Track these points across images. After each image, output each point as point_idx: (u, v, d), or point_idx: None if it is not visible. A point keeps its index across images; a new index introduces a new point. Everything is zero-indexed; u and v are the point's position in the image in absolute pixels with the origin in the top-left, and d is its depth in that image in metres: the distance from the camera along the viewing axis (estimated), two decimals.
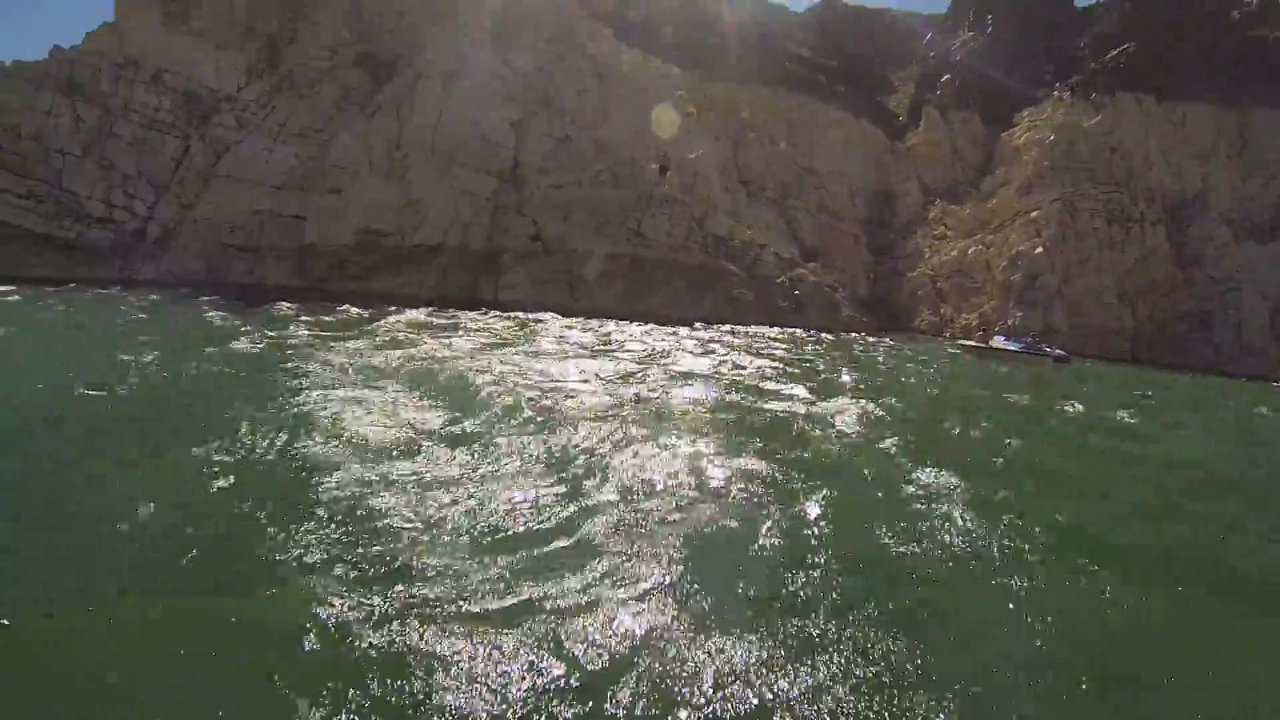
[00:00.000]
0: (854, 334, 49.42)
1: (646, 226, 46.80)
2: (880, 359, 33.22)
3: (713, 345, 28.51)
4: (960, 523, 8.98)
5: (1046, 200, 63.31)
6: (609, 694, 5.39)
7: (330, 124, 48.95)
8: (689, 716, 5.23)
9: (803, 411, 15.57)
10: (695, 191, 51.87)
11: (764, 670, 5.85)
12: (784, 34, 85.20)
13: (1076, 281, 60.14)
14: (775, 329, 43.39)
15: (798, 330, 44.70)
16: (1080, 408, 21.74)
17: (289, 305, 29.95)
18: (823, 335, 45.04)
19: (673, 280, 45.15)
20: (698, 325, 39.75)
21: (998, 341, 45.43)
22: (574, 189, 46.73)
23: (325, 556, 7.02)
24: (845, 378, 22.60)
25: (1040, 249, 60.36)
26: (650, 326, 35.10)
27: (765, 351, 27.72)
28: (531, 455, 10.42)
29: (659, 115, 57.50)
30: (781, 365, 24.97)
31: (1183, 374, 50.09)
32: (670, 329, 35.18)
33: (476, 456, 10.06)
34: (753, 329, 41.22)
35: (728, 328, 40.14)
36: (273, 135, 48.13)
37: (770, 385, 19.71)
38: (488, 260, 43.68)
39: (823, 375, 21.82)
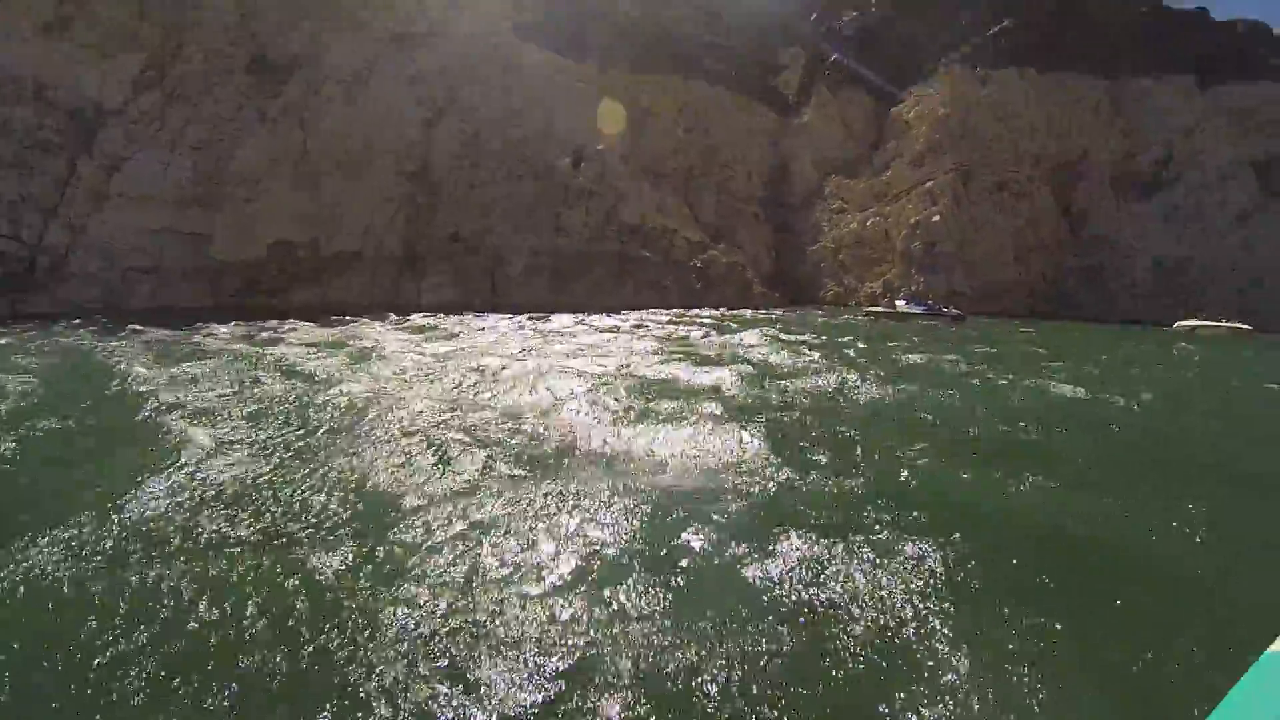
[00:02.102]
0: (766, 309, 49.83)
1: (565, 220, 46.00)
2: (805, 329, 34.73)
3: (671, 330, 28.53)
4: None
5: (940, 171, 66.36)
6: None
7: (228, 133, 47.25)
8: None
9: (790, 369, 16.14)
10: (606, 182, 51.16)
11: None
12: (674, 19, 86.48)
13: (973, 245, 63.41)
14: (694, 310, 44.60)
15: (717, 310, 45.75)
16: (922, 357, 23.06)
17: (182, 330, 26.42)
18: (742, 312, 46.46)
19: (593, 270, 44.37)
20: (624, 313, 40.42)
21: (901, 305, 49.24)
22: (490, 187, 45.58)
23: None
24: (787, 351, 23.52)
25: (937, 217, 63.33)
26: (580, 317, 35.31)
27: (716, 331, 28.00)
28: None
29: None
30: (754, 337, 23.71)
31: (1075, 323, 53.83)
32: (605, 318, 35.76)
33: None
34: (674, 312, 42.26)
35: (653, 312, 41.08)
36: (167, 148, 45.64)
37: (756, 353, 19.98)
38: (408, 264, 42.21)
39: (766, 344, 22.08)
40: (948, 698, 4.83)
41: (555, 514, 7.67)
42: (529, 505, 7.86)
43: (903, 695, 4.83)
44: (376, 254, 41.65)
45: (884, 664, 5.22)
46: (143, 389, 13.02)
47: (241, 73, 50.39)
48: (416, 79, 50.19)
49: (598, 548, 6.93)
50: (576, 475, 8.95)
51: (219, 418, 10.45)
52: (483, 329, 27.57)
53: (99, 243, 40.21)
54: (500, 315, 35.17)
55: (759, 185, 73.18)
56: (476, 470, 8.97)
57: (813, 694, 4.86)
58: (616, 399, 13.30)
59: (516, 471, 8.88)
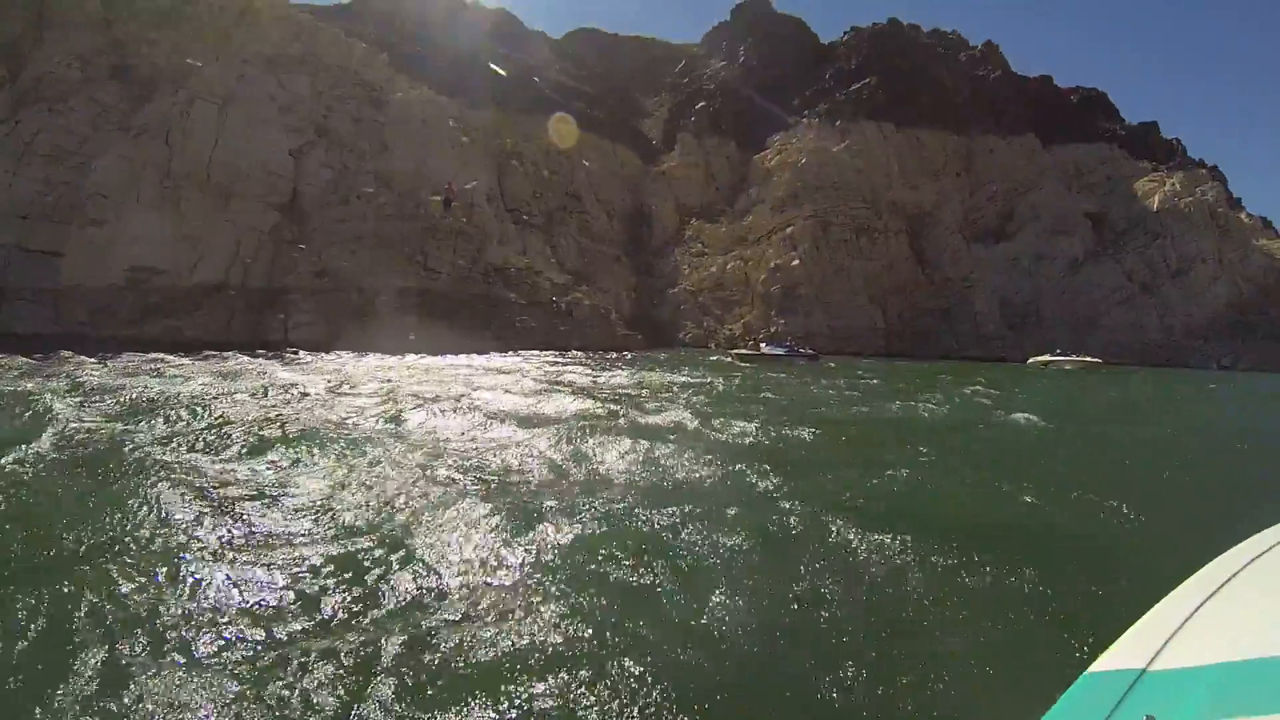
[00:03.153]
0: (629, 351, 51.80)
1: (433, 259, 46.21)
2: (686, 368, 37.20)
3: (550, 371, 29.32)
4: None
5: (800, 217, 70.84)
6: None
7: (85, 145, 45.13)
8: None
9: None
10: (473, 222, 51.62)
11: None
12: (541, 61, 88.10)
13: (832, 288, 68.15)
14: (559, 352, 45.76)
15: (581, 352, 47.25)
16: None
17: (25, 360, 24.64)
18: (607, 354, 48.31)
19: (460, 311, 44.82)
20: (491, 355, 41.55)
21: (765, 348, 52.74)
22: (358, 223, 45.30)
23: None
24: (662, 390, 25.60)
25: (796, 261, 67.69)
26: (448, 358, 36.17)
27: (569, 373, 29.27)
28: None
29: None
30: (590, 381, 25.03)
31: (927, 361, 58.19)
32: (469, 359, 36.87)
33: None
34: (541, 354, 43.77)
35: (522, 354, 42.37)
36: (16, 156, 43.64)
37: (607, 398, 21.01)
38: (272, 298, 41.25)
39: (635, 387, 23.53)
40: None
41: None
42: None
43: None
44: (241, 287, 41.18)
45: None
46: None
47: (104, 81, 48.43)
48: (286, 107, 49.46)
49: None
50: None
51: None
52: (388, 368, 28.09)
53: None
54: (380, 354, 35.68)
55: (620, 228, 75.64)
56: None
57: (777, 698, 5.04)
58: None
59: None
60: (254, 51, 51.53)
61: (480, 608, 6.39)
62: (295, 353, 35.13)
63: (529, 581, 6.89)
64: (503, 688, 5.01)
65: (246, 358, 31.46)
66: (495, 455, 12.63)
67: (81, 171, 42.91)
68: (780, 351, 50.44)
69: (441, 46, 73.29)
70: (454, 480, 10.81)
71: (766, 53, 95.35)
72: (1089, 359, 55.84)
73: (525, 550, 7.67)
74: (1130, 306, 71.58)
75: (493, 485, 10.65)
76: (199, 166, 44.06)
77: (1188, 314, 69.73)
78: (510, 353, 42.41)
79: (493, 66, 74.53)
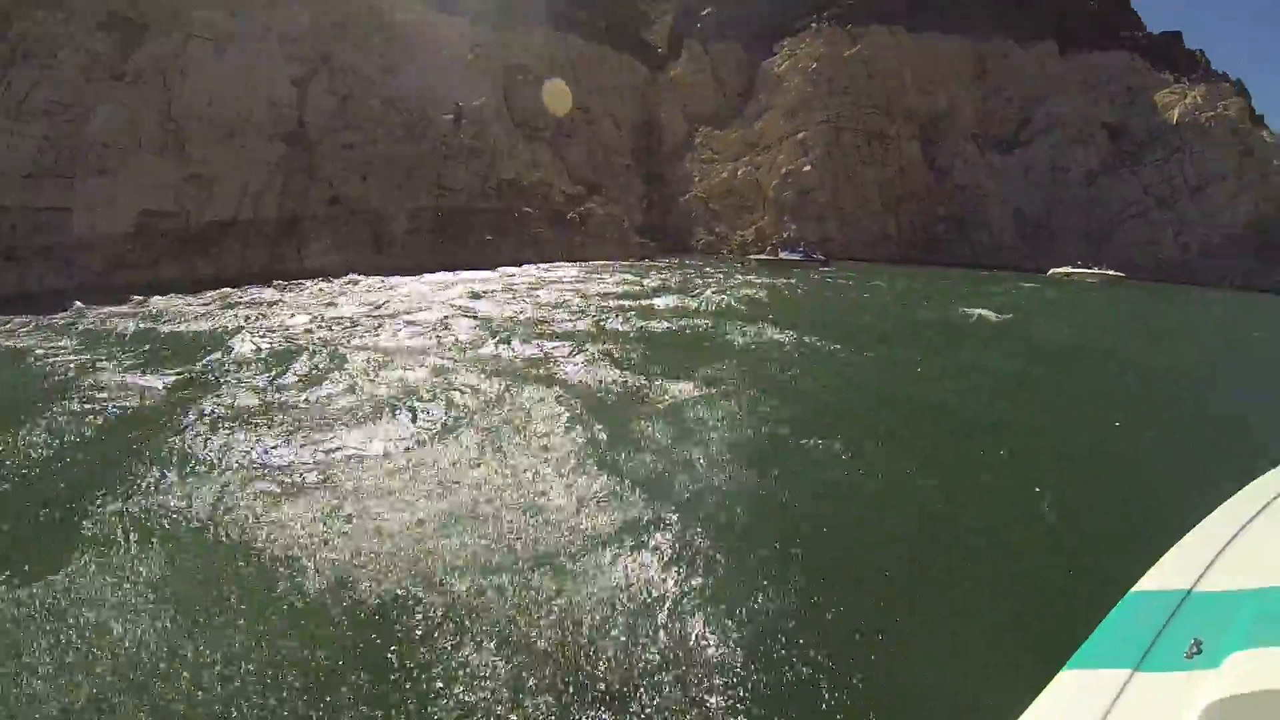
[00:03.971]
0: (645, 259, 51.52)
1: (446, 178, 45.13)
2: (700, 276, 36.66)
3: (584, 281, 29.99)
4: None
5: (812, 122, 69.00)
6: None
7: (81, 97, 44.32)
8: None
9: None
10: (484, 139, 50.08)
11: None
12: None
13: (844, 194, 66.51)
14: (576, 263, 45.64)
15: (602, 260, 47.07)
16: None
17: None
18: (628, 261, 47.96)
19: (476, 228, 44.05)
20: (514, 267, 41.07)
21: (782, 254, 52.33)
22: (368, 147, 44.11)
23: None
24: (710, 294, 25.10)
25: (809, 167, 65.97)
26: (469, 273, 36.06)
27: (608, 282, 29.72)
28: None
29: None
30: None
31: (940, 268, 57.62)
32: (497, 272, 36.50)
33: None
34: (550, 265, 43.23)
35: (548, 266, 41.91)
36: (12, 115, 42.86)
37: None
38: (286, 229, 40.58)
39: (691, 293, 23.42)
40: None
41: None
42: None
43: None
44: (253, 221, 40.48)
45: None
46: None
47: (93, 29, 47.18)
48: (286, 37, 48.10)
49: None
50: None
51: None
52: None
53: None
54: (400, 275, 35.18)
55: (629, 137, 74.03)
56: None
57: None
58: None
59: None
60: None
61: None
62: (329, 280, 34.47)
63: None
64: None
65: (272, 291, 31.01)
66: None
67: (80, 124, 41.93)
68: (796, 256, 50.44)
69: None
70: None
71: None
72: (1111, 272, 54.57)
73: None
74: (1146, 221, 69.16)
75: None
76: (200, 106, 42.86)
77: (1205, 232, 67.42)
78: (529, 265, 41.75)
79: None
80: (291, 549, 6.23)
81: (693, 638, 5.22)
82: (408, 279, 33.40)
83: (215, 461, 8.22)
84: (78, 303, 27.52)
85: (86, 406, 10.31)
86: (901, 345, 17.71)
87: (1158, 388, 15.46)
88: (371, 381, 11.99)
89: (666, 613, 5.49)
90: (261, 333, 16.86)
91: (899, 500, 7.74)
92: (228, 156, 41.63)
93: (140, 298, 28.82)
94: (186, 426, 9.29)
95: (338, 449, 8.81)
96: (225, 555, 6.14)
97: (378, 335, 17.14)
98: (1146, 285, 54.85)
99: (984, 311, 22.81)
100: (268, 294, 29.16)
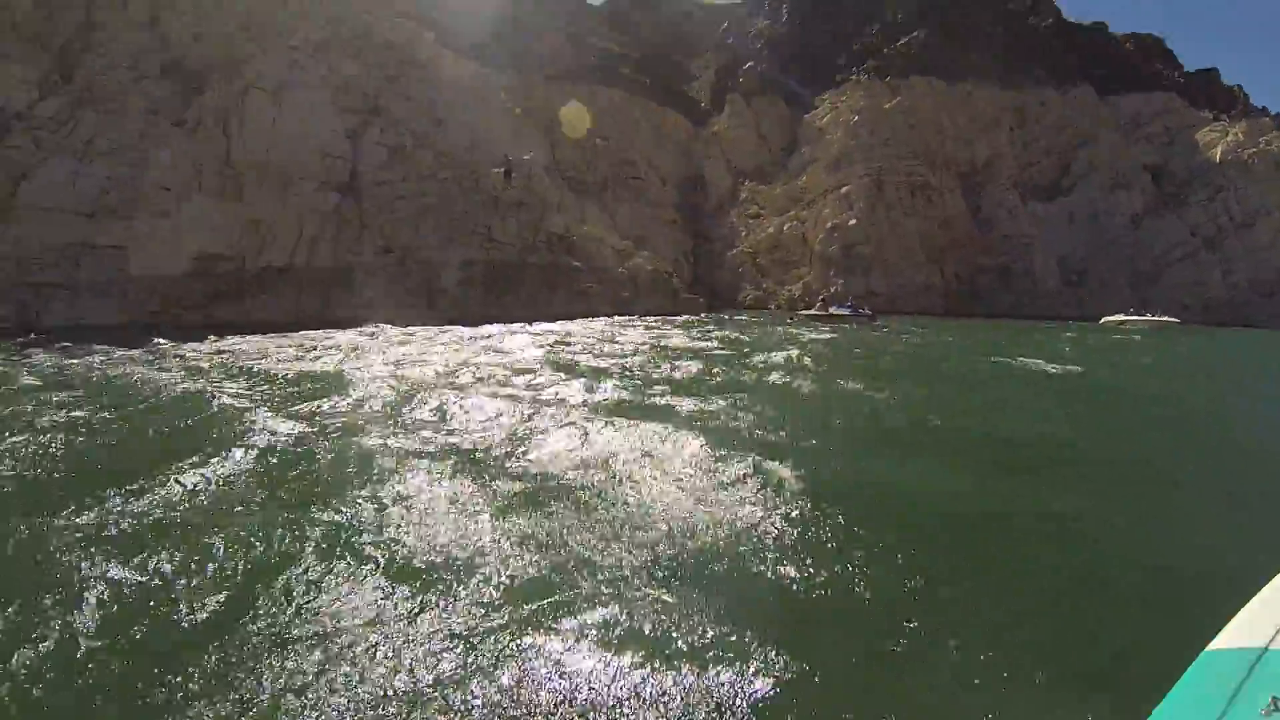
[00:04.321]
0: (697, 315, 50.78)
1: (496, 230, 45.28)
2: (758, 331, 36.14)
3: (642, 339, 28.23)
4: None
5: (855, 175, 68.80)
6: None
7: (143, 141, 45.36)
8: None
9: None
10: (534, 192, 50.26)
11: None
12: (586, 29, 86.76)
13: (888, 247, 66.00)
14: (621, 317, 45.23)
15: (651, 317, 46.69)
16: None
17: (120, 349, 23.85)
18: (676, 317, 47.54)
19: (525, 281, 43.98)
20: (567, 321, 40.85)
21: (833, 309, 52.02)
22: (419, 199, 44.49)
23: None
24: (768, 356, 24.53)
25: (854, 220, 65.65)
26: (520, 326, 35.36)
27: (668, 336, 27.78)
28: None
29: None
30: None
31: (987, 320, 56.60)
32: (558, 325, 36.24)
33: None
34: (606, 320, 42.88)
35: (595, 321, 41.61)
36: (77, 156, 43.81)
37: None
38: (338, 277, 40.89)
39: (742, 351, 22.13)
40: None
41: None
42: None
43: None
44: (306, 267, 40.87)
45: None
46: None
47: (156, 78, 48.38)
48: (340, 88, 49.05)
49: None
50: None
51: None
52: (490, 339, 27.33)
53: (7, 258, 38.29)
54: (463, 326, 35.12)
55: (674, 192, 74.40)
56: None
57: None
58: None
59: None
60: (302, 38, 50.97)
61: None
62: (374, 330, 34.48)
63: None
64: None
65: (350, 334, 31.17)
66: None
67: (141, 166, 42.80)
68: (845, 311, 50.20)
69: (483, 19, 72.48)
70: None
71: (810, 9, 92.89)
72: (1165, 318, 53.21)
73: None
74: (1193, 262, 67.96)
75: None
76: (257, 153, 43.62)
77: (1254, 270, 66.10)
78: (579, 319, 41.57)
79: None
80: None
81: None
82: (466, 329, 33.23)
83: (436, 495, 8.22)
84: (159, 339, 27.92)
85: (270, 445, 10.25)
86: (981, 392, 17.26)
87: (1233, 437, 14.79)
88: (532, 420, 12.06)
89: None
90: (377, 374, 17.08)
91: (980, 550, 7.54)
92: (283, 203, 42.10)
93: (214, 337, 29.12)
94: (386, 463, 9.29)
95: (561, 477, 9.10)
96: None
97: (495, 380, 17.11)
98: (1202, 329, 53.35)
99: (1041, 363, 22.23)
100: (343, 338, 29.17)
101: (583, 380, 16.65)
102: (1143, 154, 77.95)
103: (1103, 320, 56.26)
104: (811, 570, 6.44)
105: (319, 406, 13.46)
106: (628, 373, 18.37)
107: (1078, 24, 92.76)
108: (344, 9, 54.86)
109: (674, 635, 5.31)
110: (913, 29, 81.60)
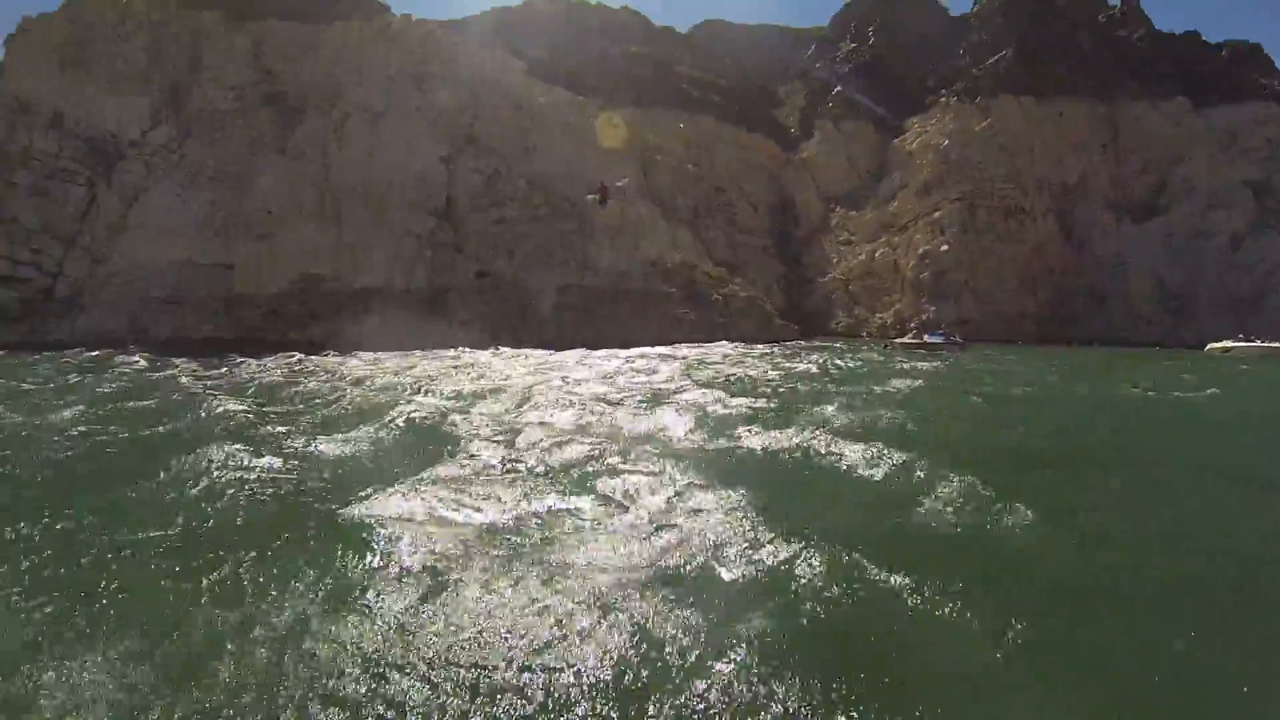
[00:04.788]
0: (786, 341, 48.98)
1: (591, 256, 44.93)
2: (858, 359, 34.73)
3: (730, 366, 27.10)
4: None
5: (946, 200, 66.46)
6: None
7: (245, 166, 46.55)
8: None
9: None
10: (627, 218, 50.06)
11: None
12: (673, 56, 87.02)
13: (981, 273, 63.30)
14: (718, 343, 44.14)
15: (746, 344, 45.32)
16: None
17: (242, 359, 25.87)
18: (774, 343, 46.16)
19: (620, 306, 43.21)
20: (664, 346, 39.73)
21: (927, 337, 50.33)
22: (513, 225, 44.40)
23: None
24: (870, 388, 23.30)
25: (946, 246, 63.30)
26: (624, 352, 34.35)
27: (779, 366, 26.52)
28: None
29: (602, 127, 57.95)
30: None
31: (1081, 347, 53.57)
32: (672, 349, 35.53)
33: None
34: (706, 346, 41.71)
35: (693, 347, 40.52)
36: (185, 181, 44.84)
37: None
38: (434, 300, 40.56)
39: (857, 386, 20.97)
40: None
41: None
42: None
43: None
44: (403, 290, 40.88)
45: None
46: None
47: (257, 107, 49.78)
48: (435, 118, 49.52)
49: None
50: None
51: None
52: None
53: (119, 273, 39.32)
54: (558, 351, 34.38)
55: (765, 218, 73.31)
56: None
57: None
58: None
59: None
60: (398, 69, 51.90)
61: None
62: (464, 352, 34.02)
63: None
64: None
65: (488, 353, 30.96)
66: None
67: (244, 191, 43.81)
68: (938, 340, 48.53)
69: (571, 48, 73.32)
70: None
71: (896, 32, 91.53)
72: (1276, 344, 49.14)
73: None
74: None
75: None
76: (355, 179, 44.10)
77: None
78: (674, 344, 40.48)
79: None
80: None
81: None
82: (568, 354, 32.34)
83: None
84: (298, 354, 28.18)
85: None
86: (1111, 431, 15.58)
87: None
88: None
89: None
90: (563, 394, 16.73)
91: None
92: (380, 227, 42.27)
93: (372, 354, 29.46)
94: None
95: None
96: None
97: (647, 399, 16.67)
98: None
99: (1179, 393, 20.29)
100: (463, 357, 28.88)
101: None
102: (1243, 169, 73.42)
103: (1208, 348, 52.31)
104: None
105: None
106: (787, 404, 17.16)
107: (1170, 34, 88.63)
108: (436, 41, 55.85)
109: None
110: (1000, 48, 79.25)
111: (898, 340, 50.19)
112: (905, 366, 29.29)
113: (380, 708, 4.42)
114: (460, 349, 34.10)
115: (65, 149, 42.94)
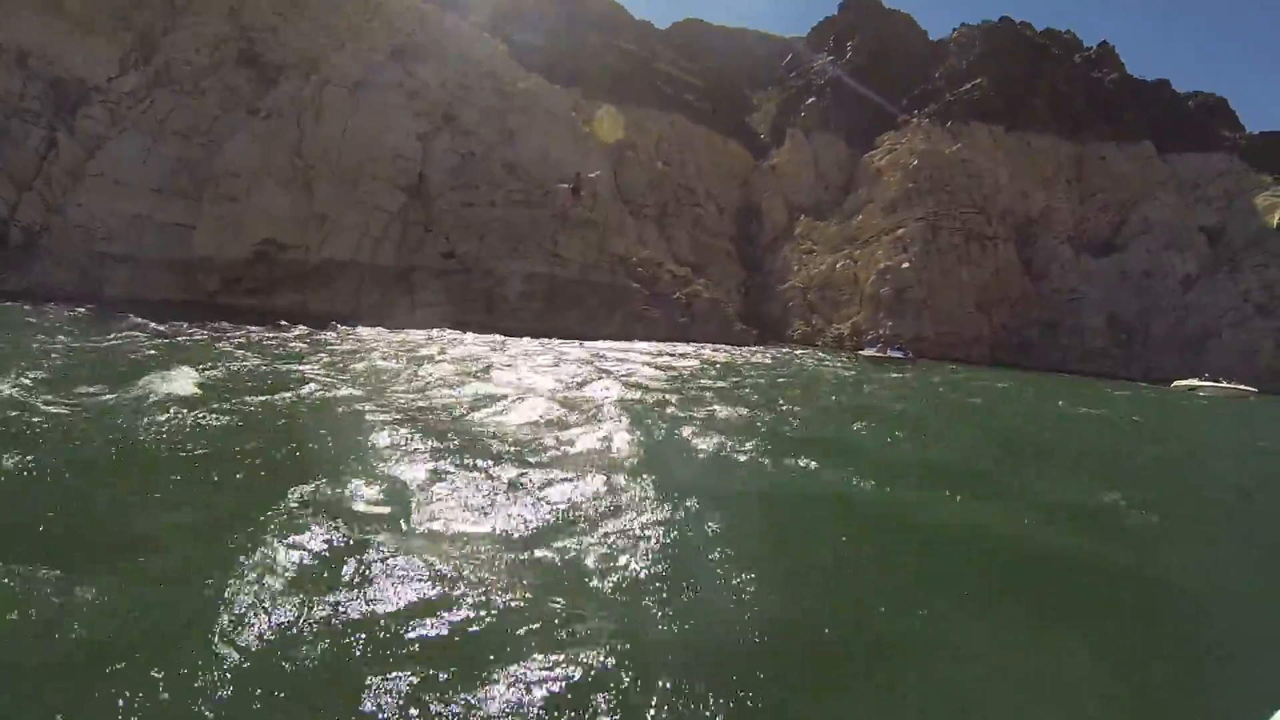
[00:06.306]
0: (745, 346, 49.14)
1: (562, 247, 44.43)
2: (822, 370, 34.94)
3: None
4: None
5: (911, 219, 67.62)
6: None
7: (215, 125, 45.17)
8: None
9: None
10: (598, 211, 49.56)
11: None
12: (653, 52, 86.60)
13: (940, 293, 64.49)
14: (680, 344, 44.24)
15: (708, 345, 45.47)
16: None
17: (190, 326, 24.26)
18: (725, 347, 46.36)
19: (586, 299, 42.96)
20: (624, 341, 39.71)
21: (890, 351, 51.54)
22: (486, 208, 43.69)
23: None
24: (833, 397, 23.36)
25: (907, 264, 64.30)
26: (585, 344, 34.17)
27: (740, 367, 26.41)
28: None
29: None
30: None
31: (1030, 373, 55.02)
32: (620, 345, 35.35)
33: None
34: (666, 345, 41.75)
35: (663, 344, 40.49)
36: (151, 133, 43.29)
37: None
38: (399, 277, 39.94)
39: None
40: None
41: None
42: None
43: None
44: (369, 265, 40.23)
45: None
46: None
47: (232, 65, 48.24)
48: (414, 93, 48.53)
49: None
50: None
51: None
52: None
53: (75, 224, 37.95)
54: (506, 336, 34.28)
55: (730, 222, 73.64)
56: None
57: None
58: None
59: None
60: (381, 40, 50.87)
61: None
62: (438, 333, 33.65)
63: None
64: None
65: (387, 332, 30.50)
66: None
67: (212, 150, 42.40)
68: (898, 355, 50.13)
69: (553, 35, 72.48)
70: None
71: (875, 49, 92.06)
72: (1241, 387, 50.91)
73: None
74: (1244, 329, 65.76)
75: None
76: (329, 148, 43.14)
77: None
78: (635, 340, 40.58)
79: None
80: None
81: None
82: (530, 341, 32.28)
83: None
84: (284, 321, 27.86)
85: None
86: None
87: None
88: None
89: None
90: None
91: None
92: (350, 199, 41.33)
93: (347, 327, 28.68)
94: None
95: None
96: None
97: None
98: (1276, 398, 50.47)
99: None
100: (412, 336, 28.32)
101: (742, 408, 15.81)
102: (1200, 215, 75.96)
103: (1174, 384, 53.91)
104: None
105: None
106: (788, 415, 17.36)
107: (1141, 80, 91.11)
108: (421, 17, 54.88)
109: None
110: (976, 75, 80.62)
111: (862, 352, 51.45)
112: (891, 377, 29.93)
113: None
114: (431, 331, 33.83)
115: (29, 89, 41.30)
